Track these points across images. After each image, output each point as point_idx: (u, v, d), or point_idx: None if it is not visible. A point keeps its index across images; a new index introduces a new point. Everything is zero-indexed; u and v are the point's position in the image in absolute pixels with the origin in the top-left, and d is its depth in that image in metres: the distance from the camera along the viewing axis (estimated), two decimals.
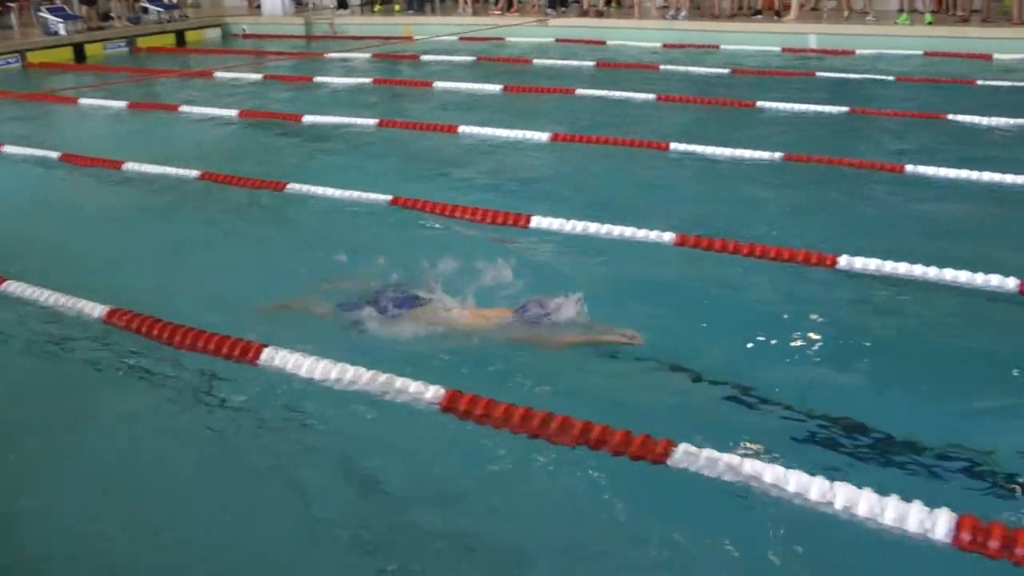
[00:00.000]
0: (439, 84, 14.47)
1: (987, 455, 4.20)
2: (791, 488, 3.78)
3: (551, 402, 4.49)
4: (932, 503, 3.62)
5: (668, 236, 6.87)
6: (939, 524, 3.55)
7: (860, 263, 6.26)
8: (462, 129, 10.82)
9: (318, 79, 15.60)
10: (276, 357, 5.02)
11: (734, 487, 3.86)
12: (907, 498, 3.66)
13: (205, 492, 4.30)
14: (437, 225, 7.59)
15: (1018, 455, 4.25)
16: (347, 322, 5.48)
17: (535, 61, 16.89)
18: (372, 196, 8.13)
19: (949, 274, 6.03)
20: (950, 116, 10.85)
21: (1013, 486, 4.03)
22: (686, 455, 3.98)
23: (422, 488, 4.20)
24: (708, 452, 3.97)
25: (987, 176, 8.32)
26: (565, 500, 4.13)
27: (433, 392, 4.55)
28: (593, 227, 7.10)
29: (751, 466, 3.88)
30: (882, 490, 3.71)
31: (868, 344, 5.44)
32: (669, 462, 3.97)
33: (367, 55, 18.52)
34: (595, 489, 4.12)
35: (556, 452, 4.23)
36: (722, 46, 17.93)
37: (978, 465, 4.15)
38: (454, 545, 3.85)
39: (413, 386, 4.60)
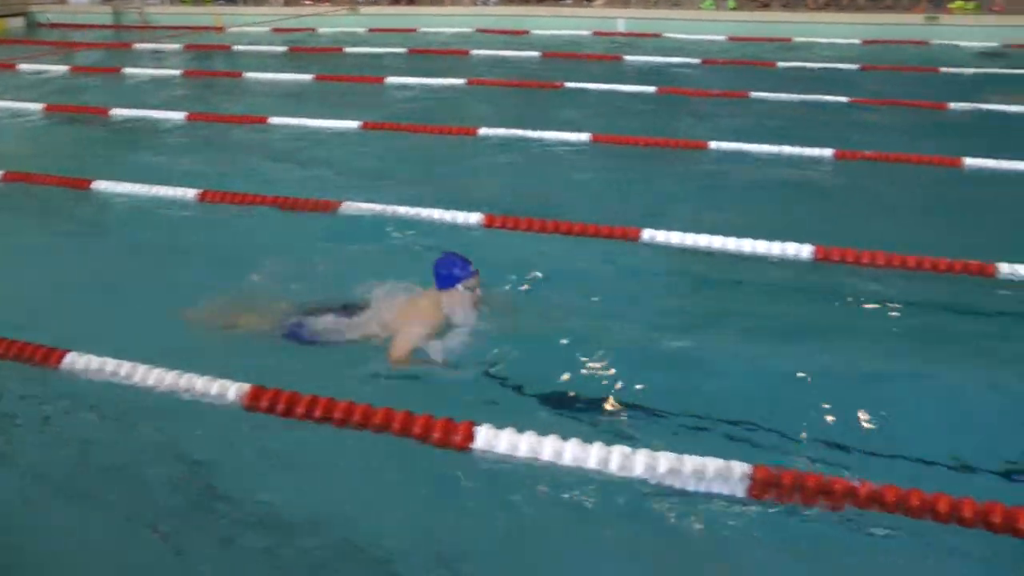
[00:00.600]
0: (250, 75, 14.21)
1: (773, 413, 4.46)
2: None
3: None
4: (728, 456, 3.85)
5: (476, 217, 6.98)
6: (735, 472, 3.78)
7: (663, 236, 6.52)
8: (273, 120, 10.67)
9: (127, 71, 15.08)
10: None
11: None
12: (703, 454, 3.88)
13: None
14: (251, 216, 7.47)
15: (805, 412, 4.52)
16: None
17: (347, 50, 16.82)
18: (178, 192, 7.90)
19: (748, 245, 6.33)
20: (752, 94, 11.34)
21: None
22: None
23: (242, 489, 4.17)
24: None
25: (787, 150, 8.75)
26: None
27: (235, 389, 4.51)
28: (403, 210, 7.15)
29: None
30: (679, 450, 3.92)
31: (674, 313, 5.66)
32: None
33: (178, 46, 18.03)
34: None
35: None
36: (533, 31, 18.25)
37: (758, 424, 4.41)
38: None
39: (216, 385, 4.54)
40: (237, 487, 4.13)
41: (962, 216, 7.43)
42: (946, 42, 16.19)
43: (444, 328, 5.09)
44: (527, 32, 18.20)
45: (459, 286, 5.15)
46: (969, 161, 8.35)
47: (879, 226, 7.07)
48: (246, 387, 4.50)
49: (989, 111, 10.68)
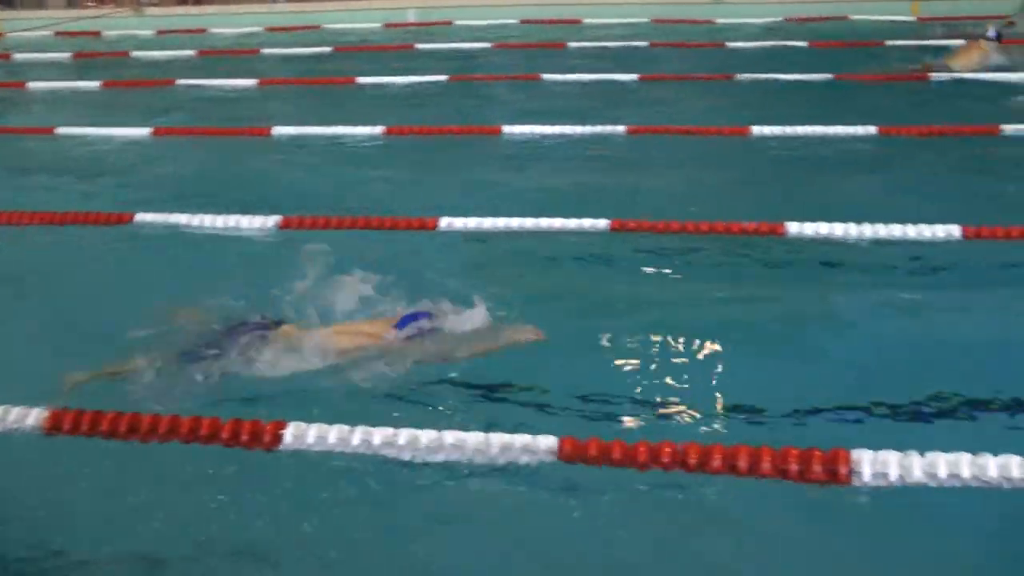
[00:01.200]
0: (33, 84, 13.48)
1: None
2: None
3: None
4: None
5: (273, 220, 6.82)
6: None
7: (460, 223, 6.52)
8: (59, 130, 10.15)
9: None
10: None
11: None
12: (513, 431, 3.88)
13: None
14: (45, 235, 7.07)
15: (611, 380, 4.60)
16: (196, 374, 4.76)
17: (134, 54, 16.16)
18: None
19: (545, 222, 6.40)
20: (544, 76, 11.50)
21: None
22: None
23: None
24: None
25: (580, 129, 8.90)
26: None
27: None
28: (197, 219, 6.92)
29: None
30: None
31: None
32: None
33: None
34: None
35: None
36: (324, 26, 18.03)
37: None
38: None
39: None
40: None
41: (751, 181, 7.72)
42: (731, 20, 16.75)
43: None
44: (318, 27, 17.96)
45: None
46: (756, 129, 8.67)
47: (672, 196, 7.28)
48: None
49: (773, 80, 11.12)
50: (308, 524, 3.85)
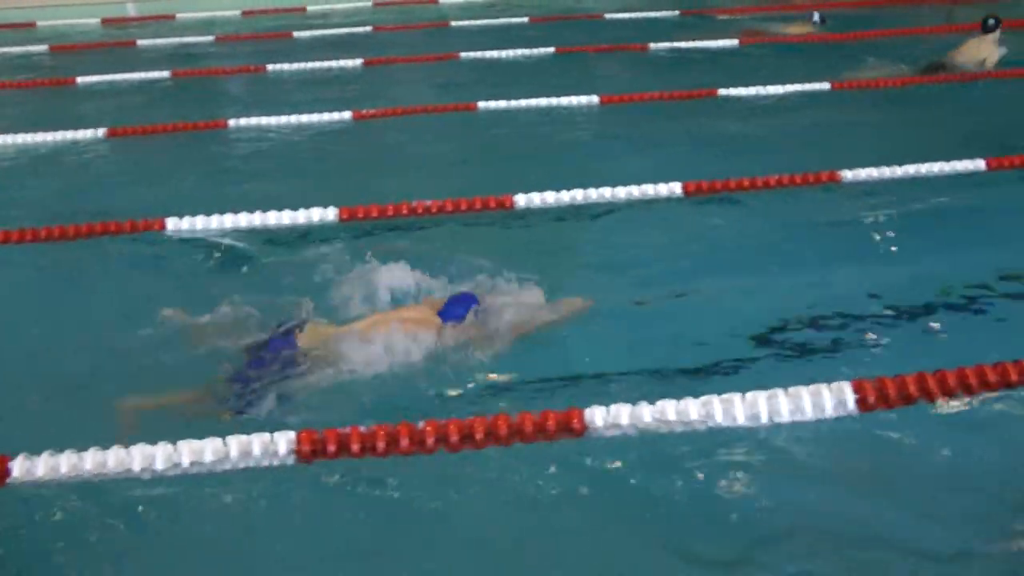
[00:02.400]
0: None
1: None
2: None
3: None
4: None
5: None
6: (281, 444, 3.73)
7: (187, 223, 6.32)
8: None
9: None
10: None
11: None
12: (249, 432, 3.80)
13: None
14: None
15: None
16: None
17: None
18: None
19: (274, 217, 6.31)
20: (270, 67, 11.27)
21: None
22: None
23: None
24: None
25: (306, 118, 8.79)
26: None
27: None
28: None
29: None
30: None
31: (204, 298, 5.50)
32: None
33: None
34: None
35: None
36: (39, 22, 16.98)
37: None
38: None
39: None
40: None
41: (481, 156, 7.86)
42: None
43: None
44: (33, 25, 16.88)
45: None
46: (483, 104, 8.81)
47: (403, 178, 7.31)
48: None
49: (496, 57, 11.32)
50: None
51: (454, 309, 4.82)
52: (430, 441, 3.73)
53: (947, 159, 7.14)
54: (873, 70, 10.32)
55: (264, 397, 4.36)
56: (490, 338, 4.75)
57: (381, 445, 3.71)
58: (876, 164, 7.03)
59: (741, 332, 4.90)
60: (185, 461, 3.70)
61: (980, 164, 7.14)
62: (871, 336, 4.94)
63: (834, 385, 4.05)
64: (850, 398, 4.01)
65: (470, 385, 4.57)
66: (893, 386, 4.07)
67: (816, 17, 12.90)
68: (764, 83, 9.52)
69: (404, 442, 3.72)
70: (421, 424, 3.75)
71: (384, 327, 4.70)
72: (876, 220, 6.46)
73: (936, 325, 5.10)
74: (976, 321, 5.16)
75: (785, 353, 4.78)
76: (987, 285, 5.45)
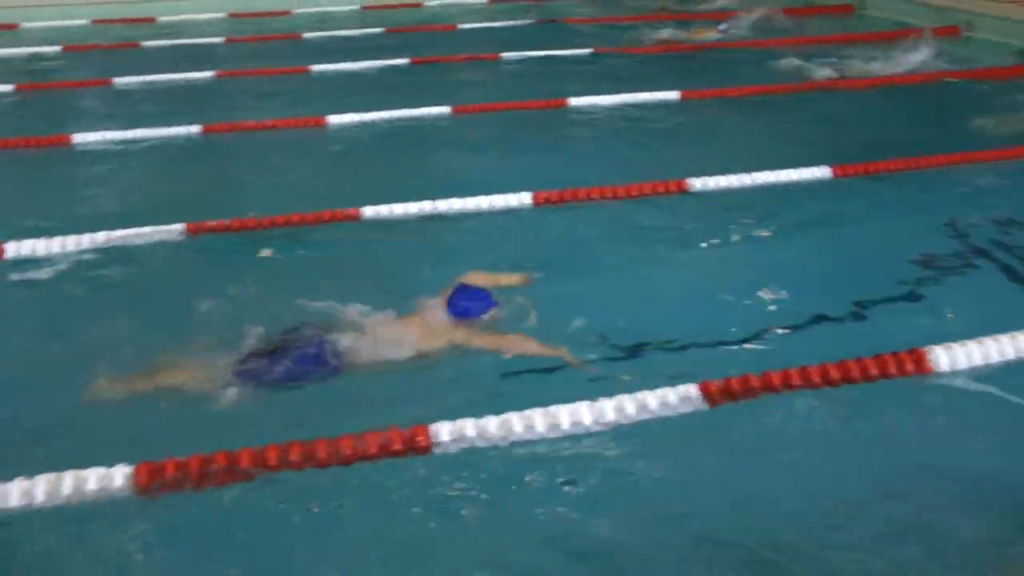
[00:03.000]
0: None
1: None
2: None
3: None
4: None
5: None
6: (117, 477, 3.60)
7: (28, 247, 6.06)
8: None
9: None
10: None
11: None
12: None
13: None
14: None
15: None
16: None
17: None
18: None
19: (120, 234, 6.10)
20: (116, 80, 10.94)
21: None
22: None
23: None
24: None
25: (152, 132, 8.58)
26: None
27: None
28: None
29: None
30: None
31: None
32: None
33: None
34: None
35: None
36: None
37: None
38: None
39: None
40: None
41: (332, 169, 7.77)
42: (308, 10, 16.61)
43: None
44: None
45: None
46: (334, 118, 8.73)
47: (254, 192, 7.18)
48: None
49: (350, 69, 11.23)
50: None
51: (461, 301, 4.88)
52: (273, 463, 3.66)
53: (795, 167, 7.36)
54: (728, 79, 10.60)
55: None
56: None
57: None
58: (724, 172, 7.20)
59: (590, 339, 4.92)
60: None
61: (826, 172, 7.38)
62: (720, 339, 5.02)
63: (680, 388, 4.14)
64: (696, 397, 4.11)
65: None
66: (739, 384, 4.19)
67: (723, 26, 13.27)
68: (616, 92, 9.67)
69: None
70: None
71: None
72: (724, 227, 6.58)
73: (783, 329, 5.21)
74: (820, 324, 5.29)
75: (633, 358, 4.81)
76: (831, 289, 5.61)
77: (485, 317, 4.88)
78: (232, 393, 4.30)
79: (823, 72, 10.90)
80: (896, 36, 13.71)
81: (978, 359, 4.57)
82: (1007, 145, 8.02)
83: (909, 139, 8.49)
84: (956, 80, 11.01)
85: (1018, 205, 7.01)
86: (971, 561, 3.48)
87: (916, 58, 11.87)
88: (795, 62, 11.68)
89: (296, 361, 4.46)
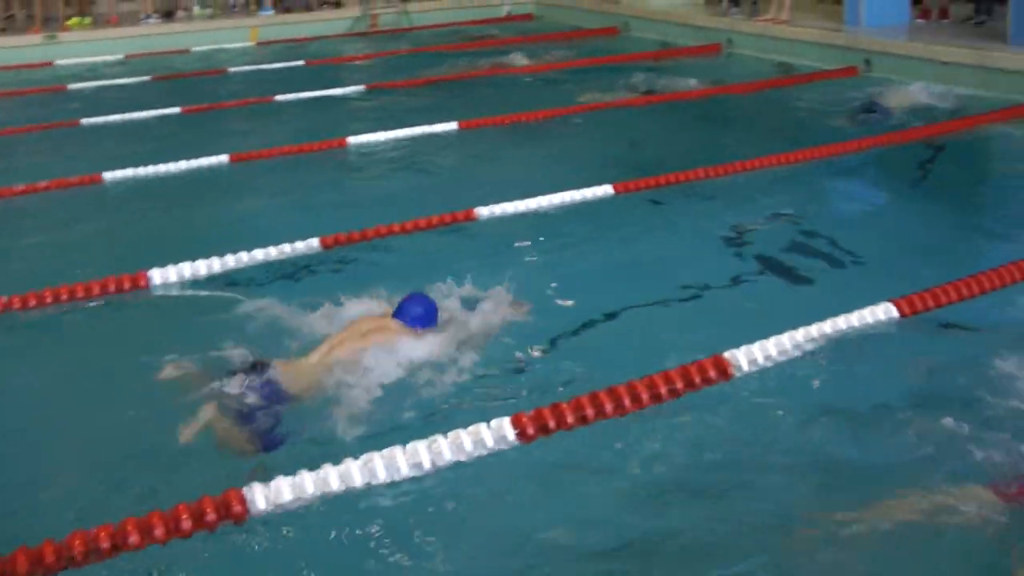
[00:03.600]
0: None
1: None
2: None
3: None
4: None
5: None
6: None
7: None
8: None
9: None
10: None
11: None
12: None
13: None
14: None
15: None
16: None
17: None
18: None
19: None
20: None
21: None
22: None
23: None
24: None
25: None
26: None
27: None
28: None
29: None
30: None
31: None
32: None
33: None
34: None
35: None
36: None
37: None
38: None
39: None
40: None
41: (111, 230, 7.42)
42: (71, 61, 15.76)
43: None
44: None
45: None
46: (108, 175, 8.36)
47: (23, 263, 6.77)
48: None
49: (120, 121, 10.79)
50: None
51: (412, 309, 4.96)
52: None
53: (577, 187, 7.54)
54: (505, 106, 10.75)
55: (280, 432, 4.34)
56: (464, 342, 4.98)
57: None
58: (510, 199, 7.29)
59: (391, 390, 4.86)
60: None
61: (608, 190, 7.59)
62: (523, 369, 5.04)
63: (493, 422, 4.14)
64: (510, 432, 4.12)
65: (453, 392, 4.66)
66: (551, 415, 4.22)
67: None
68: (393, 128, 9.67)
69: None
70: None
71: (345, 348, 4.75)
72: (514, 252, 6.66)
73: (581, 348, 5.29)
74: (618, 343, 5.40)
75: (442, 399, 4.77)
76: (624, 306, 5.75)
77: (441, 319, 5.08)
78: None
79: (593, 95, 11.24)
80: (661, 55, 14.39)
81: (774, 354, 4.82)
82: (775, 152, 8.49)
83: (684, 152, 8.89)
84: (722, 94, 11.58)
85: (790, 207, 7.44)
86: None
87: (682, 75, 12.47)
88: (568, 86, 12.04)
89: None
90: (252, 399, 4.40)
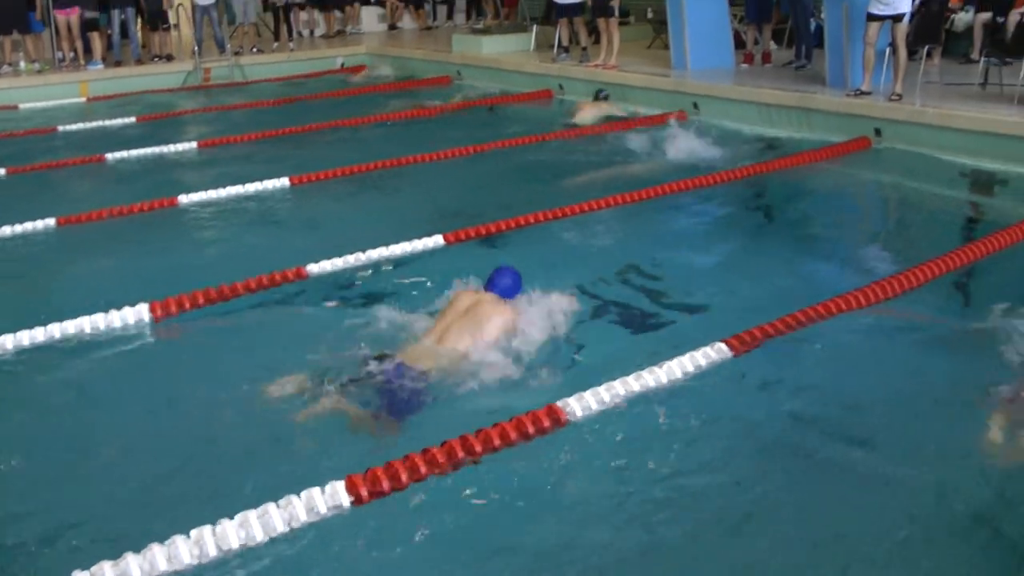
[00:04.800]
0: None
1: None
2: None
3: None
4: None
5: None
6: None
7: None
8: None
9: None
10: None
11: None
12: None
13: None
14: None
15: None
16: None
17: None
18: None
19: None
20: None
21: None
22: None
23: None
24: None
25: None
26: None
27: None
28: None
29: None
30: None
31: None
32: None
33: None
34: None
35: None
36: None
37: None
38: None
39: None
40: None
41: None
42: None
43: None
44: None
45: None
46: None
47: None
48: None
49: None
50: None
51: (501, 280, 5.71)
52: None
53: (408, 239, 7.56)
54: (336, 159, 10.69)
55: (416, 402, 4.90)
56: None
57: None
58: (341, 254, 7.25)
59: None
60: None
61: (439, 240, 7.66)
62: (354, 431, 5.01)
63: (327, 487, 4.10)
64: (345, 499, 4.09)
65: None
66: (385, 476, 4.20)
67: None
68: (225, 185, 9.51)
69: None
70: None
71: (454, 327, 5.36)
72: (341, 307, 6.60)
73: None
74: (449, 396, 5.40)
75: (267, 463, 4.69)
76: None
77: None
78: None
79: (426, 145, 11.31)
80: (494, 103, 14.62)
81: (607, 401, 4.92)
82: (606, 195, 8.78)
83: (517, 199, 9.03)
84: (553, 140, 11.81)
85: (622, 249, 7.60)
86: None
87: (515, 122, 12.70)
88: (401, 136, 12.10)
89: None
90: (385, 382, 4.96)
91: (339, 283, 7.03)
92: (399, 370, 5.02)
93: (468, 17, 22.49)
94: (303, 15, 21.30)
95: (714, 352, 5.45)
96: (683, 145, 10.72)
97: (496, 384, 5.14)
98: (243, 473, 4.49)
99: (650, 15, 17.45)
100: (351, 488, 4.15)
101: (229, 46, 18.31)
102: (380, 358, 5.14)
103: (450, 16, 23.35)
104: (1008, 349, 5.48)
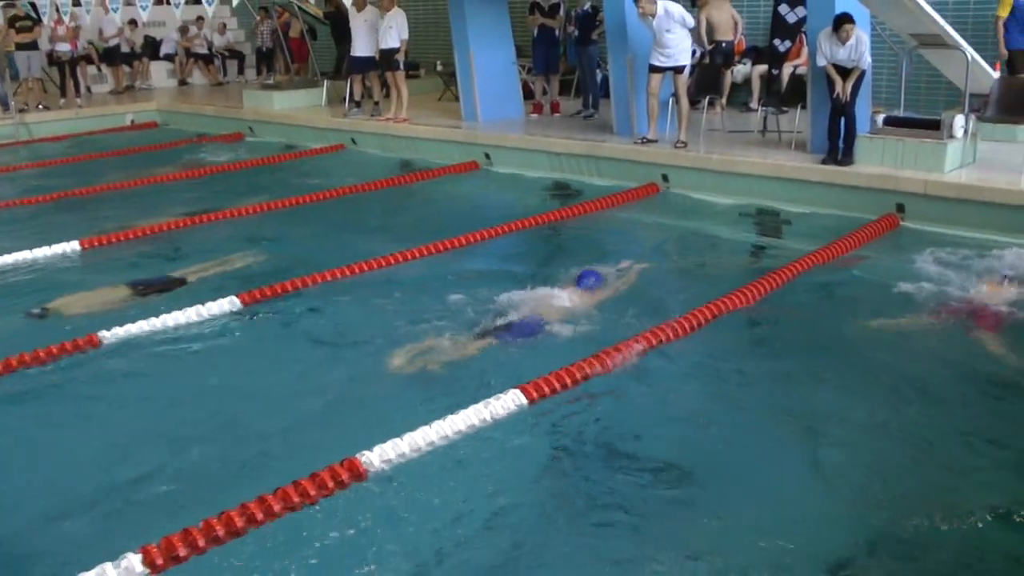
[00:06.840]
0: None
1: None
2: None
3: None
4: None
5: None
6: None
7: None
8: None
9: None
10: None
11: None
12: None
13: None
14: None
15: None
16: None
17: None
18: None
19: None
20: None
21: None
22: None
23: None
24: None
25: None
26: None
27: None
28: None
29: None
30: None
31: None
32: None
33: None
34: None
35: None
36: None
37: None
38: None
39: None
40: None
41: None
42: None
43: None
44: None
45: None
46: None
47: None
48: None
49: None
50: None
51: (585, 280, 7.69)
52: None
53: (202, 301, 7.37)
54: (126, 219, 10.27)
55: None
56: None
57: None
58: (133, 320, 6.99)
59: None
60: None
61: (236, 302, 7.48)
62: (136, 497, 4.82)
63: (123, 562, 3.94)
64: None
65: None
66: (182, 543, 4.06)
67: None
68: (9, 251, 9.01)
69: None
70: None
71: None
72: (140, 379, 6.36)
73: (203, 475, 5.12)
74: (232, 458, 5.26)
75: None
76: (248, 422, 5.66)
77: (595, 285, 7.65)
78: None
79: (218, 203, 11.05)
80: (286, 159, 14.41)
81: (407, 451, 4.91)
82: (407, 247, 8.83)
83: (315, 255, 8.95)
84: (350, 194, 11.72)
85: (428, 299, 7.56)
86: None
87: (308, 177, 12.55)
88: (193, 195, 11.75)
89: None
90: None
91: (136, 352, 6.75)
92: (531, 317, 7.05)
93: (259, 73, 22.06)
94: (90, 69, 20.43)
95: (511, 399, 5.51)
96: (478, 195, 10.84)
97: None
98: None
99: (439, 67, 17.60)
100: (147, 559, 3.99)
101: (13, 103, 17.37)
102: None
103: (240, 72, 22.86)
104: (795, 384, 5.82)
